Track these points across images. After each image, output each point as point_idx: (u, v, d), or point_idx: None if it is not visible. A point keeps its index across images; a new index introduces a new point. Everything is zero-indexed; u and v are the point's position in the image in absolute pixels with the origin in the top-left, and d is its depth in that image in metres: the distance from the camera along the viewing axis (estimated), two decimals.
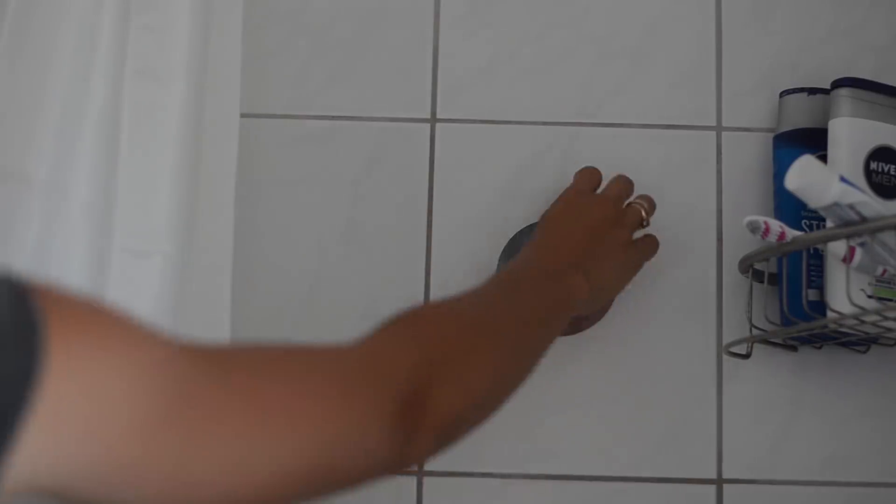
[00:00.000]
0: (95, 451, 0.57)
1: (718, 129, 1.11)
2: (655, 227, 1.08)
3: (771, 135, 1.09)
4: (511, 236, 1.09)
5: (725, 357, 1.06)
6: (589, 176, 1.05)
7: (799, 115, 1.06)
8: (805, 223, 1.03)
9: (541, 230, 1.00)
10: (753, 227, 0.93)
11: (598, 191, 1.05)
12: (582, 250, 0.97)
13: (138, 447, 0.59)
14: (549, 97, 1.12)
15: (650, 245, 1.04)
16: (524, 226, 1.09)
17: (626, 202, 1.04)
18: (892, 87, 1.03)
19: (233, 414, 0.64)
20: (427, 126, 1.12)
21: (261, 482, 0.66)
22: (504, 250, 1.08)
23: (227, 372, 0.66)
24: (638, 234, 1.03)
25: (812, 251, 1.00)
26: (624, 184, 1.04)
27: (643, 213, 1.03)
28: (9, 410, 0.53)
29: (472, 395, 0.79)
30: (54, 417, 0.55)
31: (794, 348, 1.06)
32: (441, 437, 0.77)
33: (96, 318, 0.59)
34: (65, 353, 0.55)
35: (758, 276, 1.01)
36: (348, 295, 1.09)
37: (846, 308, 0.92)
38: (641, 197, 1.04)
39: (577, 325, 1.06)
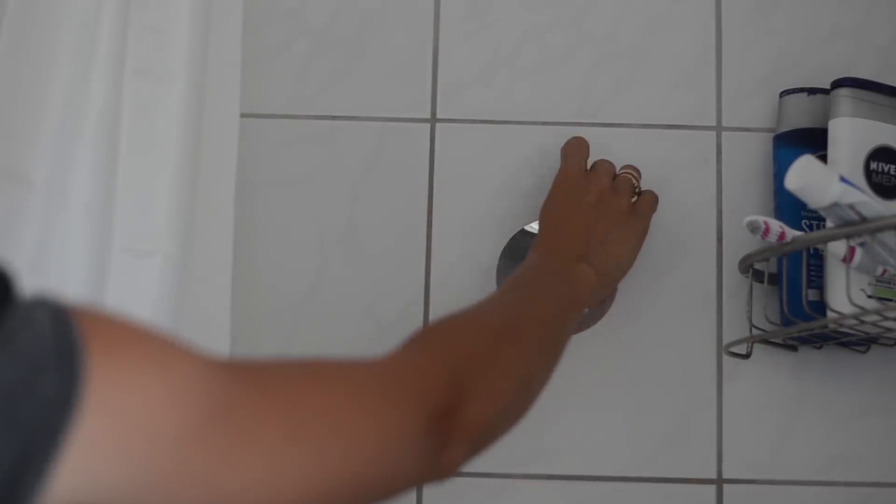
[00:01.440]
0: (133, 468, 0.58)
1: (718, 129, 1.11)
2: (655, 227, 1.08)
3: (771, 135, 1.09)
4: (511, 236, 1.09)
5: (725, 357, 1.06)
6: (577, 149, 1.06)
7: (799, 115, 1.06)
8: (805, 223, 1.03)
9: (542, 223, 1.02)
10: (753, 227, 0.93)
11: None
12: (586, 233, 0.99)
13: (174, 463, 0.59)
14: (549, 97, 1.12)
15: (650, 203, 1.05)
16: (524, 225, 1.09)
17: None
18: (892, 87, 1.03)
19: (271, 425, 0.64)
20: (427, 126, 1.12)
21: (296, 495, 0.66)
22: (504, 250, 1.08)
23: (264, 385, 0.66)
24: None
25: (812, 251, 1.00)
26: (608, 162, 1.05)
27: (634, 181, 1.05)
28: (51, 432, 0.54)
29: (500, 403, 0.80)
30: (95, 438, 0.56)
31: (794, 348, 1.06)
32: (474, 446, 0.78)
33: (134, 338, 0.60)
34: (104, 375, 0.56)
35: (758, 276, 1.01)
36: (348, 295, 1.09)
37: (846, 308, 0.92)
38: (626, 167, 1.06)
39: (580, 322, 1.06)
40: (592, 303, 1.01)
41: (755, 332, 1.01)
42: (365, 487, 0.70)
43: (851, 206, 0.87)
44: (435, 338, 0.81)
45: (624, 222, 1.01)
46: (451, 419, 0.74)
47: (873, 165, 1.00)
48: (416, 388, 0.73)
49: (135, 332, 0.60)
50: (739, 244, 1.07)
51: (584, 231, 0.99)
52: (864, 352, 1.06)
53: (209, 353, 0.64)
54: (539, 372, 0.86)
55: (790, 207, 1.02)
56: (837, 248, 0.92)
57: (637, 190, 1.05)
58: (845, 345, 1.05)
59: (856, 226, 0.88)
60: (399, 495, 0.74)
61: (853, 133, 1.00)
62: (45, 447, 0.54)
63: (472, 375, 0.77)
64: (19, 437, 0.53)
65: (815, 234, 0.97)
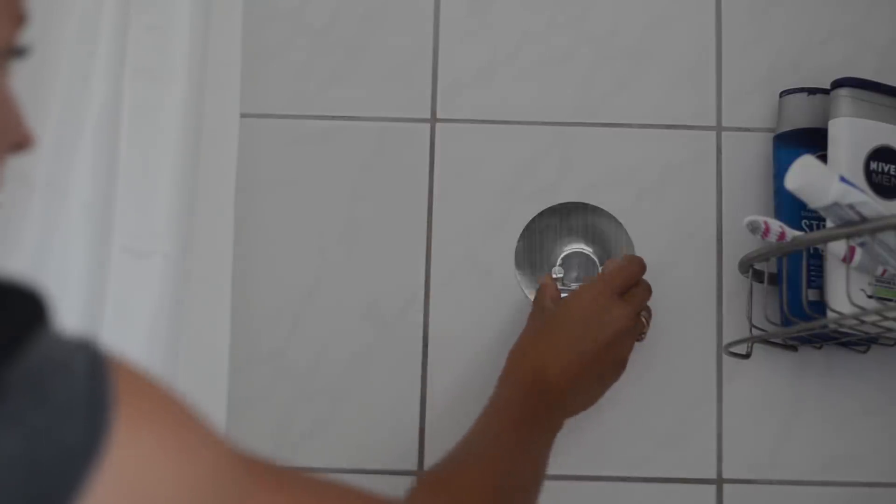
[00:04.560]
0: None
1: (718, 129, 1.11)
2: (656, 226, 1.09)
3: (771, 135, 1.09)
4: (530, 220, 1.09)
5: (725, 357, 1.06)
6: (631, 275, 1.01)
7: (799, 115, 1.06)
8: (805, 223, 1.03)
9: (553, 339, 0.98)
10: (753, 227, 0.93)
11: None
12: (579, 378, 0.97)
13: None
14: (549, 97, 1.12)
15: (621, 366, 1.01)
16: (536, 215, 1.09)
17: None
18: (892, 87, 1.03)
19: None
20: (427, 126, 1.12)
21: None
22: (522, 234, 1.09)
23: (282, 491, 0.67)
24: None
25: (812, 251, 1.00)
26: (648, 292, 1.02)
27: (645, 330, 1.02)
28: (68, 482, 0.54)
29: None
30: (105, 501, 0.55)
31: (794, 348, 1.06)
32: None
33: (165, 411, 0.60)
34: (127, 444, 0.56)
35: (758, 276, 1.01)
36: (348, 295, 1.09)
37: (846, 308, 0.92)
38: (646, 308, 1.03)
39: None
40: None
41: (755, 332, 1.01)
42: None
43: (851, 206, 0.87)
44: (440, 498, 0.85)
45: (615, 374, 1.00)
46: None
47: (873, 165, 1.00)
48: None
49: (166, 404, 0.60)
50: (739, 244, 1.07)
51: (579, 375, 0.97)
52: (864, 352, 1.06)
53: (233, 445, 0.64)
54: None
55: (790, 207, 1.02)
56: (837, 248, 0.92)
57: (642, 338, 1.03)
58: (845, 345, 1.05)
59: (856, 226, 0.88)
60: None
61: (853, 133, 1.00)
62: (59, 495, 0.54)
63: None
64: (37, 481, 0.53)
65: (815, 234, 0.97)
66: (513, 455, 0.92)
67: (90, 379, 0.55)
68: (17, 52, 0.64)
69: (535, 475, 0.93)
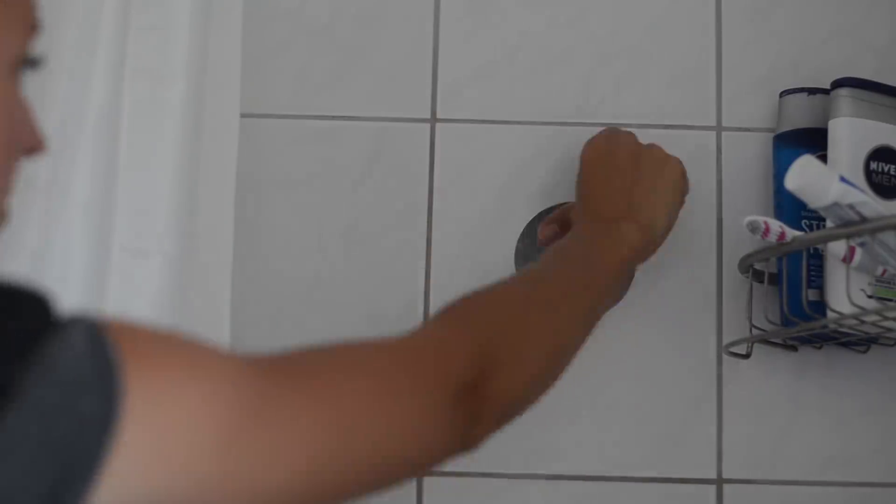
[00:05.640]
0: (176, 476, 0.60)
1: (718, 129, 1.11)
2: None
3: (771, 135, 1.09)
4: (530, 220, 1.09)
5: (725, 357, 1.06)
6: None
7: (799, 115, 1.06)
8: (805, 223, 1.03)
9: (581, 191, 0.99)
10: (753, 227, 0.93)
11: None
12: (627, 190, 0.97)
13: (217, 464, 0.61)
14: (549, 97, 1.12)
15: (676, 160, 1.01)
16: (535, 215, 1.09)
17: None
18: (892, 87, 1.03)
19: (304, 417, 0.65)
20: (427, 126, 1.12)
21: (335, 481, 0.67)
22: (523, 233, 1.09)
23: (294, 378, 0.67)
24: None
25: (812, 251, 1.00)
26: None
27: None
28: (91, 452, 0.55)
29: (528, 375, 0.80)
30: (135, 453, 0.57)
31: (794, 348, 1.06)
32: (501, 418, 0.78)
33: (166, 348, 0.61)
34: (141, 391, 0.57)
35: (758, 276, 1.01)
36: (348, 295, 1.09)
37: (846, 308, 0.92)
38: None
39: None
40: (639, 260, 0.96)
41: (755, 332, 1.02)
42: (397, 467, 0.72)
43: (851, 206, 0.87)
44: (462, 311, 0.80)
45: (664, 167, 0.99)
46: (478, 393, 0.74)
47: (873, 165, 1.00)
48: (440, 363, 0.73)
49: (166, 342, 0.62)
50: (739, 244, 1.07)
51: (625, 188, 0.97)
52: (864, 352, 1.06)
53: (237, 353, 0.65)
54: (571, 340, 0.85)
55: (790, 207, 1.02)
56: (837, 248, 0.92)
57: None
58: (845, 345, 1.05)
59: (856, 226, 0.88)
60: (432, 467, 0.75)
61: (853, 133, 1.00)
62: (84, 468, 0.55)
63: (499, 348, 0.77)
64: (59, 460, 0.54)
65: (815, 234, 0.97)
66: (557, 264, 0.88)
67: (92, 348, 0.57)
68: (31, 62, 0.65)
69: (588, 291, 0.88)
